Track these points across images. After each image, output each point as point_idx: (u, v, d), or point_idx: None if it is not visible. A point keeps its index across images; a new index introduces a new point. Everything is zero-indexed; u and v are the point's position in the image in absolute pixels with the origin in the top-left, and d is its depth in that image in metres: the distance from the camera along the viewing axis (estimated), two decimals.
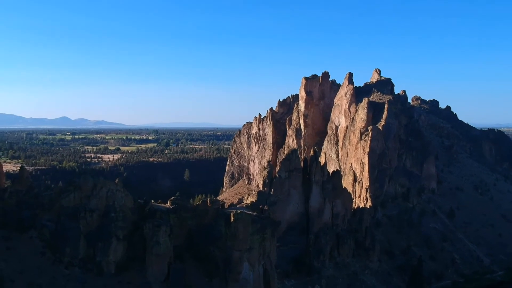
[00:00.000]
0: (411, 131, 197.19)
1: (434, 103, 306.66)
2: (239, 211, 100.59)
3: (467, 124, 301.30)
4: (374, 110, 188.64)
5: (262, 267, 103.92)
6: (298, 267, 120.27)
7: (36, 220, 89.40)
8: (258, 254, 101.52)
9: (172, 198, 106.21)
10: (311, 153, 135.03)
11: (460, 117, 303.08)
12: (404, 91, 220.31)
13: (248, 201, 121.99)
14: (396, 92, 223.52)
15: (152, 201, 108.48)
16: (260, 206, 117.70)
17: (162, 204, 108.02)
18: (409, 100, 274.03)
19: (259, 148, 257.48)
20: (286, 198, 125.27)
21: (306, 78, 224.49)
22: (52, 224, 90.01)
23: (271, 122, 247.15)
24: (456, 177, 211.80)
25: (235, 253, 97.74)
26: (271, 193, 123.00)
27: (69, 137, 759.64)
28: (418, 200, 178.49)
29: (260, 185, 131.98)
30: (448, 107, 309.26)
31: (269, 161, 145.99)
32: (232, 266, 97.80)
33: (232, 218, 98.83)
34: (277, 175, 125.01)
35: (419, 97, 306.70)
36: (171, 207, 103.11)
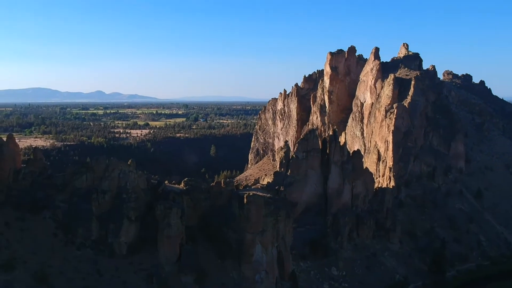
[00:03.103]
0: (439, 108, 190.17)
1: (467, 77, 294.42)
2: (251, 193, 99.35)
3: (502, 99, 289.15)
4: (400, 87, 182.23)
5: (276, 249, 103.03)
6: (314, 249, 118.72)
7: (50, 201, 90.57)
8: (272, 236, 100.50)
9: (185, 179, 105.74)
10: (330, 132, 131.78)
11: (494, 92, 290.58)
12: (433, 66, 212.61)
13: (265, 182, 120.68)
14: (425, 67, 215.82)
15: (166, 182, 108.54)
16: (276, 187, 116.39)
17: (176, 185, 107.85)
18: (440, 75, 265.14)
19: (283, 124, 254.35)
20: (304, 179, 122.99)
21: (331, 53, 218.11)
22: (65, 205, 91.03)
23: (296, 98, 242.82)
24: (486, 155, 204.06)
25: (247, 235, 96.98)
26: (288, 174, 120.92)
27: (101, 112, 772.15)
28: (444, 180, 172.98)
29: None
30: (482, 82, 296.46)
31: (286, 141, 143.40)
32: (244, 249, 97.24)
33: (245, 200, 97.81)
34: (294, 155, 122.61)
35: (451, 71, 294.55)
36: (184, 188, 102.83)
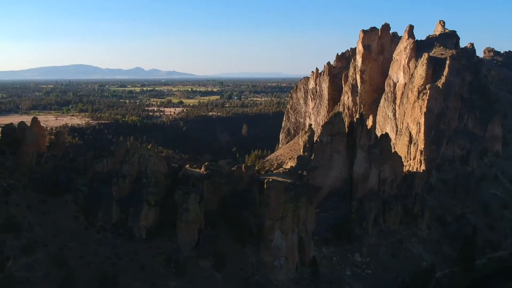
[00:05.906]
0: (476, 88, 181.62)
1: (510, 55, 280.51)
2: (271, 179, 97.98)
3: None
4: (435, 66, 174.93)
5: (297, 235, 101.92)
6: (338, 234, 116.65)
7: (71, 185, 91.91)
8: (292, 222, 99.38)
9: (206, 163, 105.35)
10: (357, 116, 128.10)
11: None
12: (472, 44, 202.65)
13: (288, 166, 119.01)
14: (463, 46, 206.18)
15: (187, 166, 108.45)
16: (299, 172, 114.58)
17: (197, 170, 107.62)
18: (480, 54, 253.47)
19: (315, 104, 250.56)
20: (328, 163, 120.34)
21: (364, 31, 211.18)
22: (86, 188, 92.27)
23: (328, 78, 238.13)
24: None
25: (267, 221, 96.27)
26: (312, 158, 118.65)
27: (138, 89, 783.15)
28: (479, 164, 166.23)
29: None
30: None
31: (309, 125, 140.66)
32: (264, 234, 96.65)
33: (265, 186, 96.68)
34: (318, 139, 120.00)
35: (492, 48, 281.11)
36: (204, 172, 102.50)
